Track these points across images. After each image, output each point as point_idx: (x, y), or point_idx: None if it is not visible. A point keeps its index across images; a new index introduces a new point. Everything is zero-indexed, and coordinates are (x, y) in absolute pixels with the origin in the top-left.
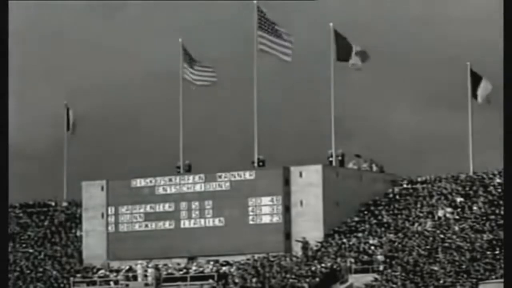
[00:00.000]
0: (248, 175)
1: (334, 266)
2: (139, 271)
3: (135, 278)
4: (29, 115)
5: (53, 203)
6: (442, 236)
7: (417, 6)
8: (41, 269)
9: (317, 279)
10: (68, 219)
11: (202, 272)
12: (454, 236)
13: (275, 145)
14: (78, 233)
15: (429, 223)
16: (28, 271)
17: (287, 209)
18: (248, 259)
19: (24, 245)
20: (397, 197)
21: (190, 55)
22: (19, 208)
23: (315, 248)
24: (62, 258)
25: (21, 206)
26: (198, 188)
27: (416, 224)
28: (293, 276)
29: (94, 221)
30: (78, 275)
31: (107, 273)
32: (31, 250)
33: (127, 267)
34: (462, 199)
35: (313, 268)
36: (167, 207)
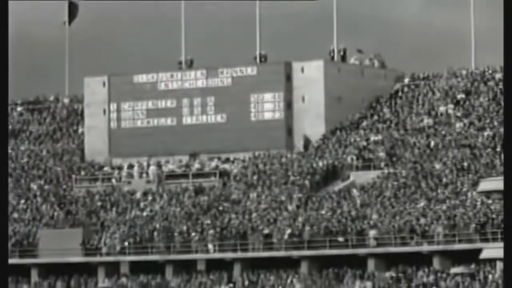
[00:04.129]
0: (250, 70)
1: (336, 163)
2: (136, 168)
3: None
4: (30, 9)
5: (54, 99)
6: (443, 133)
7: None
8: (43, 166)
9: (318, 176)
10: (70, 116)
11: (203, 169)
12: (455, 133)
13: (276, 39)
14: (80, 130)
15: (430, 120)
16: (30, 168)
17: (289, 105)
18: (249, 156)
19: (26, 142)
20: (399, 93)
21: None
22: (20, 104)
23: (316, 144)
24: (64, 155)
25: (23, 103)
26: (200, 84)
27: (417, 121)
28: (294, 173)
29: (96, 117)
30: (83, 172)
31: (110, 170)
32: (32, 147)
33: (129, 164)
34: (463, 96)
35: (314, 165)
36: (169, 103)
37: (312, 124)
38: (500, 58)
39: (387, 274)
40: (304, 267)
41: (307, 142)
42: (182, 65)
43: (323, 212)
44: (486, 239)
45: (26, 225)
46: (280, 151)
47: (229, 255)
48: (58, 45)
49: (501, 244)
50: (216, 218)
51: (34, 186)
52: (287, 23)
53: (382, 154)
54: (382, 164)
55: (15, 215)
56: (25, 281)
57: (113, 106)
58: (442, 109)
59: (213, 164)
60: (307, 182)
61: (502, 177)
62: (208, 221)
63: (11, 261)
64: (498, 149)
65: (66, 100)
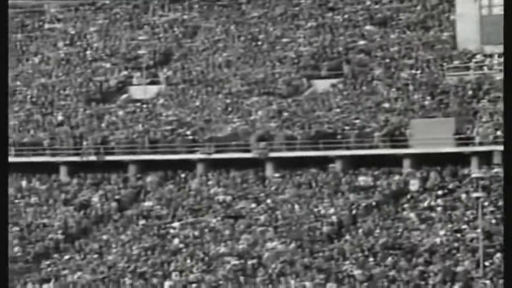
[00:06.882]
0: None
1: None
2: None
3: None
4: None
5: None
6: None
7: None
8: (414, 55)
9: None
10: (441, 3)
11: None
12: None
13: None
14: (451, 17)
15: None
16: (401, 57)
17: None
18: None
19: (396, 31)
20: None
21: None
22: None
23: None
24: (436, 44)
25: None
26: None
27: None
28: None
29: (467, 4)
30: (455, 61)
31: (482, 58)
32: (403, 36)
33: (500, 52)
34: None
35: None
36: None
37: None
38: None
39: None
40: None
41: None
42: None
43: None
44: None
45: (397, 115)
46: None
47: None
48: None
49: None
50: None
51: (404, 75)
52: None
53: None
54: None
55: (386, 105)
56: (396, 171)
57: None
58: None
59: None
60: None
61: None
62: None
63: (381, 152)
64: None
65: None
